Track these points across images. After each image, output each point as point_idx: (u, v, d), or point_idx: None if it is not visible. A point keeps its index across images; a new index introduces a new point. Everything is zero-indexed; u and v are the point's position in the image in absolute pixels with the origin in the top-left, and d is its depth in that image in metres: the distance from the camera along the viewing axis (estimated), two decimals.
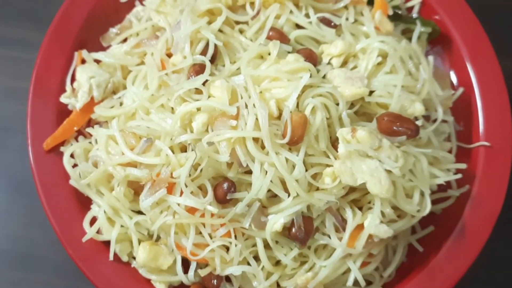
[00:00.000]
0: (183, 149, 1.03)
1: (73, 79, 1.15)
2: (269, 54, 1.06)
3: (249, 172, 0.99)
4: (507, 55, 1.30)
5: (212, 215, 1.00)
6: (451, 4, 1.24)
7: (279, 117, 0.99)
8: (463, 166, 1.13)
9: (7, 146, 1.32)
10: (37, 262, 1.25)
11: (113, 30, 1.21)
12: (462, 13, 1.24)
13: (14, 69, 1.37)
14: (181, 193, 1.00)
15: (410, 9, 1.27)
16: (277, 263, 1.06)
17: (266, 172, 0.97)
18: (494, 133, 1.17)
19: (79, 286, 1.23)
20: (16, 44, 1.39)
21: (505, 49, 1.29)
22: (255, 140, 0.98)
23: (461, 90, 1.22)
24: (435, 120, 1.16)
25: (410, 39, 1.19)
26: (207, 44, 1.07)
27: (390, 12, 1.17)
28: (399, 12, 1.22)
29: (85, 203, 1.10)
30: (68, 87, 1.14)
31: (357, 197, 1.05)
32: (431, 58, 1.19)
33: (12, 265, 1.25)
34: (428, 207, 1.05)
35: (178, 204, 1.00)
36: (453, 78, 1.25)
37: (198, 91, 1.03)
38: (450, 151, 1.19)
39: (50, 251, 1.25)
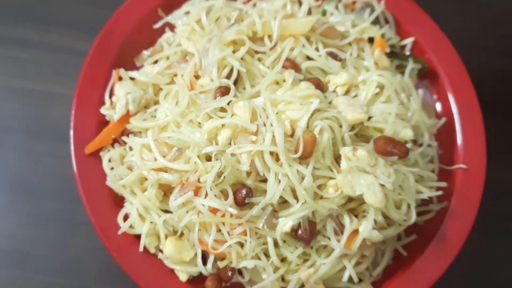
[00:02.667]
0: (208, 158, 1.11)
1: (111, 94, 1.23)
2: (284, 81, 1.13)
3: (265, 180, 1.07)
4: (472, 50, 1.37)
5: (231, 215, 1.07)
6: (438, 45, 1.33)
7: (292, 135, 1.07)
8: (443, 184, 1.23)
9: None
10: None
11: (146, 52, 1.29)
12: (447, 53, 1.33)
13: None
14: (206, 195, 1.07)
15: (404, 46, 1.36)
16: (283, 259, 1.13)
17: (280, 181, 1.05)
18: (470, 157, 1.26)
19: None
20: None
21: (468, 44, 1.35)
22: (271, 153, 1.05)
23: (444, 119, 1.31)
24: (421, 144, 1.25)
25: (403, 73, 1.27)
26: (231, 70, 1.14)
27: (388, 50, 1.26)
28: (395, 50, 1.31)
29: (119, 202, 1.18)
30: (107, 100, 1.22)
31: (354, 206, 1.13)
32: (420, 91, 1.28)
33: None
34: (413, 217, 1.14)
35: (203, 205, 1.08)
36: (438, 107, 1.33)
37: (222, 109, 1.11)
38: (433, 171, 1.26)
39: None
